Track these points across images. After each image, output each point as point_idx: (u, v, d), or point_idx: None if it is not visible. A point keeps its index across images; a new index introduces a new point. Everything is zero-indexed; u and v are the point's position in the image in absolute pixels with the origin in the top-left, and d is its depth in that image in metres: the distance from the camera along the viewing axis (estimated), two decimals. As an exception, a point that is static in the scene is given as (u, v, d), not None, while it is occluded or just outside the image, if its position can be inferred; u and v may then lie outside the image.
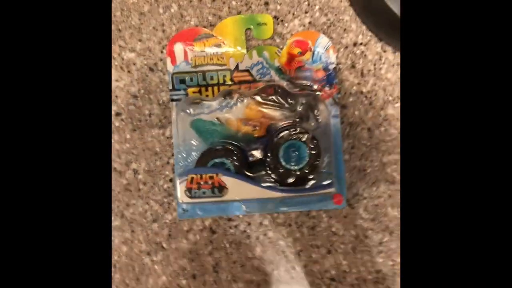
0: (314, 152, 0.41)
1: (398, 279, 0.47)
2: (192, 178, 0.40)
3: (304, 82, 0.48)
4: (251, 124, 0.43)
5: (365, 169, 0.47)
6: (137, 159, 0.48)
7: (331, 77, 0.47)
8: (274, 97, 0.44)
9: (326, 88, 0.47)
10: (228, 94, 0.46)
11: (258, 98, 0.44)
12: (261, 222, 0.47)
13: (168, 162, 0.48)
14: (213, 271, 0.48)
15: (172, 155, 0.48)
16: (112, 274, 0.48)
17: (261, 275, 0.47)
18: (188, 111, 0.45)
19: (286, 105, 0.45)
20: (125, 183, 0.48)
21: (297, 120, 0.45)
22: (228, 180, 0.40)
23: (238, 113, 0.45)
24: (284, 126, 0.42)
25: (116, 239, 0.48)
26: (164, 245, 0.48)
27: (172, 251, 0.48)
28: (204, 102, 0.45)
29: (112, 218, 0.48)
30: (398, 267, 0.47)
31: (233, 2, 0.48)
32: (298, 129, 0.41)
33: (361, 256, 0.47)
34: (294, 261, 0.47)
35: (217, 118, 0.44)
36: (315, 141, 0.41)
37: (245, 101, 0.45)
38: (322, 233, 0.47)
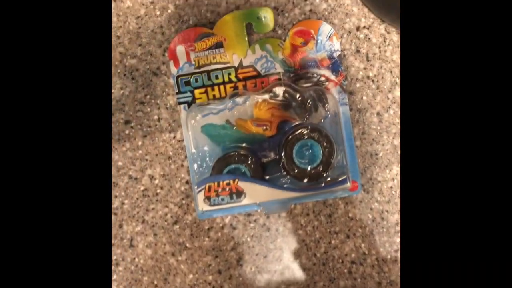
0: (327, 149, 0.41)
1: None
2: (210, 186, 0.41)
3: (310, 72, 0.47)
4: (261, 124, 0.43)
5: (377, 153, 0.48)
6: (152, 164, 0.49)
7: (336, 64, 0.47)
8: (281, 94, 0.44)
9: (333, 76, 0.47)
10: (235, 96, 0.45)
11: (265, 97, 0.44)
12: (279, 214, 0.48)
13: (182, 165, 0.49)
14: (237, 265, 0.49)
15: (185, 157, 0.48)
16: (140, 277, 0.49)
17: (284, 264, 0.49)
18: (197, 117, 0.45)
19: (294, 102, 0.45)
20: (142, 189, 0.49)
21: (307, 116, 0.44)
22: (245, 185, 0.41)
23: (247, 114, 0.45)
24: (295, 125, 0.42)
25: (140, 243, 0.49)
26: (187, 244, 0.49)
27: (196, 250, 0.49)
28: (212, 105, 0.45)
29: (134, 224, 0.49)
30: (416, 245, 0.48)
31: (230, -3, 0.47)
32: (309, 127, 0.41)
33: (379, 237, 0.48)
34: (314, 248, 0.49)
35: (227, 121, 0.44)
36: (327, 139, 0.41)
37: (253, 101, 0.44)
38: (340, 219, 0.48)
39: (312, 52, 0.47)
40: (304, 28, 0.47)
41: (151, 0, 0.47)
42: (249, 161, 0.42)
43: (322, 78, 0.47)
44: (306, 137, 0.41)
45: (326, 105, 0.46)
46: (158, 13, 0.47)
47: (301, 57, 0.47)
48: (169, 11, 0.47)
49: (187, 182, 0.49)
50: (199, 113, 0.46)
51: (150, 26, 0.47)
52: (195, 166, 0.45)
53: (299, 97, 0.44)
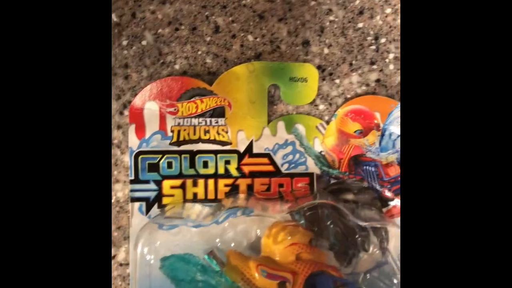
0: None
1: None
2: None
3: (365, 183, 0.28)
4: (275, 275, 0.22)
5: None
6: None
7: (410, 177, 0.27)
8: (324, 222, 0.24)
9: (401, 196, 0.27)
10: (234, 203, 0.25)
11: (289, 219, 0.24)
12: None
13: (118, 308, 0.27)
14: None
15: (127, 295, 0.27)
16: None
17: None
18: (160, 229, 0.25)
19: (332, 233, 0.25)
20: None
21: (348, 260, 0.24)
22: None
23: (251, 247, 0.24)
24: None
25: None
26: None
27: None
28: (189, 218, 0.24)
29: None
30: None
31: (250, 37, 0.28)
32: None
33: None
34: None
35: (211, 254, 0.23)
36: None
37: (264, 222, 0.24)
38: None
39: (373, 150, 0.27)
40: (364, 108, 0.27)
41: (117, 21, 0.28)
42: None
43: (384, 197, 0.27)
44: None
45: (384, 244, 0.26)
46: (125, 42, 0.28)
47: (354, 154, 0.27)
48: (144, 42, 0.28)
49: None
50: (164, 223, 0.26)
51: (108, 63, 0.28)
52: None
53: (340, 226, 0.25)
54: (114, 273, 0.28)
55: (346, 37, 0.28)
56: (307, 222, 0.27)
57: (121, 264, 0.28)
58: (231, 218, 0.27)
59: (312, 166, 0.28)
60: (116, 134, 0.28)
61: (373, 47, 0.28)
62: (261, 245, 0.24)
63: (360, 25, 0.28)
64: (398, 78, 0.28)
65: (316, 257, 0.24)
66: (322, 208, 0.26)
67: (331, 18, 0.28)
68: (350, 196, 0.28)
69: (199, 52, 0.28)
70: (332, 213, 0.26)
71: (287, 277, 0.22)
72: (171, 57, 0.28)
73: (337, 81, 0.28)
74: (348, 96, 0.28)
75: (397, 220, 0.27)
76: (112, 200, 0.28)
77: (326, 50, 0.28)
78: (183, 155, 0.28)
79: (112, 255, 0.28)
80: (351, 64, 0.28)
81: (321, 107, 0.28)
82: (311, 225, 0.27)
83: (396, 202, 0.27)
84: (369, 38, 0.28)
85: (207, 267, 0.23)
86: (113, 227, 0.28)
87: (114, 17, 0.28)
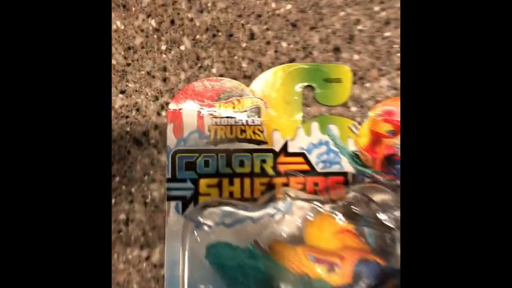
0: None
1: None
2: None
3: (398, 181, 0.28)
4: (324, 260, 0.22)
5: None
6: (95, 303, 0.26)
7: (443, 175, 0.28)
8: (360, 209, 0.24)
9: (435, 194, 0.27)
10: (273, 200, 0.25)
11: (333, 210, 0.24)
12: None
13: (152, 312, 0.26)
14: None
15: (161, 298, 0.26)
16: None
17: None
18: (202, 224, 0.24)
19: (377, 226, 0.25)
20: None
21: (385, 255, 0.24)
22: None
23: (296, 236, 0.24)
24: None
25: None
26: None
27: None
28: (229, 208, 0.24)
29: None
30: None
31: (283, 44, 0.29)
32: None
33: None
34: None
35: (255, 243, 0.23)
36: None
37: (307, 213, 0.24)
38: None
39: (406, 149, 0.28)
40: (394, 109, 0.29)
41: (156, 27, 0.29)
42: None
43: (418, 194, 0.28)
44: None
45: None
46: (163, 47, 0.29)
47: (386, 153, 0.28)
48: (182, 47, 0.29)
49: None
50: (205, 220, 0.25)
51: (146, 65, 0.28)
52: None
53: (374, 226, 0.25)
54: (148, 275, 0.27)
55: (374, 44, 0.30)
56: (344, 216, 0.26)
57: (155, 266, 0.27)
58: (267, 217, 0.27)
59: (347, 165, 0.28)
60: (153, 134, 0.28)
61: (399, 54, 0.30)
62: (304, 235, 0.24)
63: (387, 34, 0.30)
64: (425, 83, 0.30)
65: (363, 248, 0.23)
66: (356, 205, 0.26)
67: (360, 27, 0.30)
68: (384, 195, 0.28)
69: (235, 57, 0.29)
70: (367, 211, 0.26)
71: (336, 262, 0.22)
72: (208, 61, 0.29)
73: (368, 85, 0.29)
74: (379, 98, 0.29)
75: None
76: (148, 200, 0.28)
77: (355, 56, 0.30)
78: (219, 154, 0.28)
79: (146, 256, 0.27)
80: (380, 69, 0.30)
81: (353, 109, 0.29)
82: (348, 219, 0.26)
83: (432, 199, 0.28)
84: (395, 46, 0.30)
85: (254, 251, 0.23)
86: (148, 227, 0.27)
87: (153, 23, 0.29)
